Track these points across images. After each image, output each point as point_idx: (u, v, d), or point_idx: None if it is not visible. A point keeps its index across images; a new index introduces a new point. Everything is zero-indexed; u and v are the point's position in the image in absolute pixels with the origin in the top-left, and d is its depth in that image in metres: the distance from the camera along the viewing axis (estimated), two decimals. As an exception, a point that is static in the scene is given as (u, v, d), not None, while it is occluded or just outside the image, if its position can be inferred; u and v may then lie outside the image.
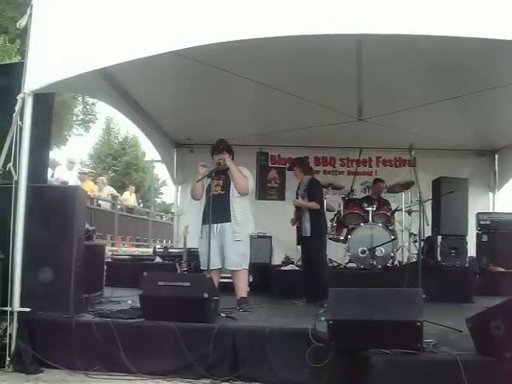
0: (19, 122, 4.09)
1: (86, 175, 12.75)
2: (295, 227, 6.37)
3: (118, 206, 15.47)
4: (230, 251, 5.26)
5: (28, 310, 4.02)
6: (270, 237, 7.77)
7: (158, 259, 7.76)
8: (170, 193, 27.95)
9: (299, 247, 6.47)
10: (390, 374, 3.15)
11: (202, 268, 5.35)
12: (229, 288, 5.43)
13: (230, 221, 5.28)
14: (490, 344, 3.16)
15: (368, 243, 7.10)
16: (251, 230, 5.55)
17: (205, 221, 5.27)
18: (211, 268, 5.10)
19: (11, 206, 4.04)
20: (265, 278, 6.81)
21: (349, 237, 7.33)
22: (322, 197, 6.41)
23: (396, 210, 7.88)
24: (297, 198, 6.30)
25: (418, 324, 3.18)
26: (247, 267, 5.38)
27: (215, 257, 5.24)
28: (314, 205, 6.07)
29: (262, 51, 5.69)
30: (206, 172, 5.36)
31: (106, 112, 29.28)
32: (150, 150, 23.44)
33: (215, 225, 5.25)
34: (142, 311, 4.26)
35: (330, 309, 3.42)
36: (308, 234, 6.06)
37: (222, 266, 5.33)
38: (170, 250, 7.84)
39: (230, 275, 5.49)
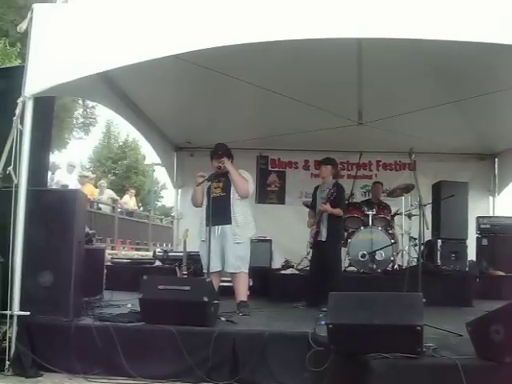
0: (19, 126, 4.09)
1: (87, 179, 12.75)
2: (310, 230, 6.35)
3: (118, 210, 15.48)
4: (230, 254, 5.24)
5: (28, 313, 4.01)
6: (270, 240, 7.76)
7: (157, 263, 7.74)
8: (169, 196, 28.01)
9: (310, 250, 6.45)
10: (390, 378, 3.15)
11: (204, 271, 5.34)
12: (229, 292, 5.42)
13: (230, 223, 5.26)
14: (490, 348, 3.16)
15: (368, 247, 7.09)
16: (251, 233, 5.52)
17: (208, 223, 5.25)
18: (211, 271, 5.10)
19: (11, 209, 4.03)
20: (265, 281, 6.80)
21: (349, 241, 7.32)
22: (345, 203, 6.36)
23: (396, 213, 7.88)
24: (314, 199, 6.28)
25: (418, 328, 3.18)
26: (247, 271, 5.36)
27: (216, 259, 5.23)
28: (338, 211, 5.99)
29: (263, 55, 5.72)
30: (206, 176, 5.35)
31: (106, 115, 29.30)
32: (150, 154, 23.65)
33: (216, 227, 5.24)
34: (141, 315, 4.25)
35: (330, 313, 3.41)
36: (323, 239, 6.02)
37: (221, 269, 5.32)
38: (170, 254, 7.82)
39: (230, 279, 5.49)
